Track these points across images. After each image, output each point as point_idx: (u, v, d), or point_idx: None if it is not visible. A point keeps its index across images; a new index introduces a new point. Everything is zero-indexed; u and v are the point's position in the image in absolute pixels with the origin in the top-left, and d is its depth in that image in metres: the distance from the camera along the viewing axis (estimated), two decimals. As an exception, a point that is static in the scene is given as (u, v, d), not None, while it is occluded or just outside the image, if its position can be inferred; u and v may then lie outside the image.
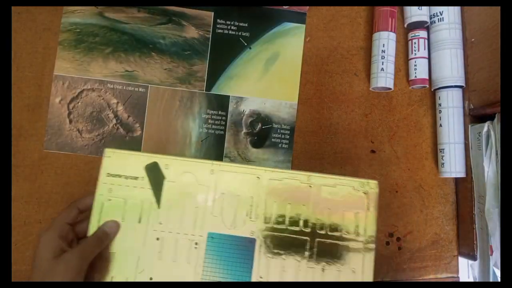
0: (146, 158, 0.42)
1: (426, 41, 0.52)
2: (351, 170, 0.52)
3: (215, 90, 0.52)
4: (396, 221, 0.53)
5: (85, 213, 0.41)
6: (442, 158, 0.51)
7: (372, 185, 0.43)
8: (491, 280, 0.47)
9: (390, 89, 0.52)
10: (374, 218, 0.43)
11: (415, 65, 0.52)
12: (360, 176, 0.52)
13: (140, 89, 0.51)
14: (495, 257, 0.45)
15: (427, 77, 0.52)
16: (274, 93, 0.52)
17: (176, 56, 0.51)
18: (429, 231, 0.53)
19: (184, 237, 0.42)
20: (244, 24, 0.53)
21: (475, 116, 0.51)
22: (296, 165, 0.52)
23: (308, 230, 0.42)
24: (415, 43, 0.52)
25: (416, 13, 0.51)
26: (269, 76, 0.52)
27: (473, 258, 0.50)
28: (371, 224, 0.43)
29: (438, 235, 0.53)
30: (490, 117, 0.47)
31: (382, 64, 0.50)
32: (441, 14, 0.50)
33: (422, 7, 0.51)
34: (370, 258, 0.42)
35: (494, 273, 0.46)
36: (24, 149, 0.49)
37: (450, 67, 0.50)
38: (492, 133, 0.46)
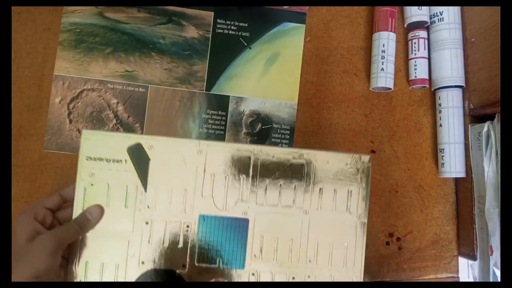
0: (128, 139, 0.40)
1: (426, 41, 0.52)
2: (351, 170, 0.52)
3: (215, 90, 0.52)
4: (396, 221, 0.53)
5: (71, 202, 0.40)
6: (442, 158, 0.51)
7: (364, 160, 0.42)
8: (491, 280, 0.47)
9: (390, 89, 0.52)
10: (367, 194, 0.42)
11: (415, 65, 0.52)
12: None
13: (140, 89, 0.51)
14: (495, 257, 0.45)
15: (427, 77, 0.52)
16: (274, 93, 0.52)
17: (176, 56, 0.51)
18: (429, 231, 0.53)
19: (174, 220, 0.40)
20: (244, 24, 0.53)
21: (475, 116, 0.51)
22: (296, 165, 0.52)
23: (300, 207, 0.41)
24: (415, 43, 0.52)
25: (416, 13, 0.51)
26: (269, 76, 0.52)
27: (473, 258, 0.50)
28: (364, 200, 0.42)
29: (438, 235, 0.53)
30: (490, 117, 0.47)
31: (382, 64, 0.50)
32: (441, 14, 0.50)
33: (422, 7, 0.51)
34: (361, 232, 0.41)
35: (494, 273, 0.46)
36: (24, 149, 0.49)
37: (450, 67, 0.50)
38: (492, 133, 0.46)
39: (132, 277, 0.40)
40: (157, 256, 0.40)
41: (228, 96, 0.52)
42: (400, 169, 0.53)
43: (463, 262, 0.53)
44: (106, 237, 0.40)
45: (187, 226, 0.40)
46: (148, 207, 0.40)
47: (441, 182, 0.53)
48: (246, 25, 0.53)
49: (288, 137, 0.52)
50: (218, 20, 0.52)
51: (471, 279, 0.52)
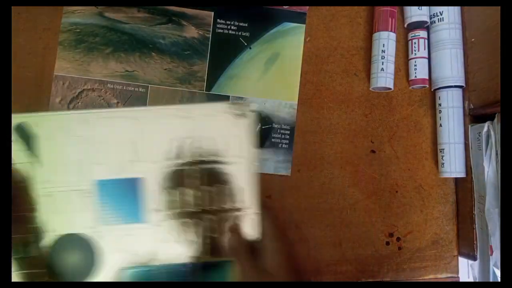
0: (15, 119, 0.42)
1: (426, 41, 0.52)
2: (351, 170, 0.52)
3: (215, 90, 0.52)
4: (396, 221, 0.53)
5: None
6: (442, 158, 0.51)
7: (247, 108, 0.44)
8: (491, 280, 0.47)
9: (390, 89, 0.52)
10: (252, 138, 0.44)
11: (415, 65, 0.52)
12: (360, 174, 0.52)
13: (140, 89, 0.51)
14: (495, 257, 0.45)
15: (427, 77, 0.52)
16: (274, 93, 0.52)
17: (176, 56, 0.51)
18: (429, 231, 0.53)
19: (75, 189, 0.43)
20: (244, 24, 0.53)
21: (475, 116, 0.51)
22: (296, 165, 0.52)
23: (196, 160, 0.43)
24: (415, 43, 0.52)
25: (416, 13, 0.51)
26: (269, 76, 0.52)
27: (473, 258, 0.50)
28: (250, 145, 0.44)
29: (438, 235, 0.53)
30: (490, 117, 0.47)
31: (382, 64, 0.50)
32: (441, 14, 0.50)
33: (422, 7, 0.51)
34: (253, 174, 0.44)
35: (494, 273, 0.46)
36: (24, 149, 0.49)
37: (450, 67, 0.50)
38: (492, 133, 0.46)
39: (47, 246, 0.42)
40: (65, 223, 0.43)
41: (228, 96, 0.52)
42: (400, 169, 0.53)
43: (463, 262, 0.53)
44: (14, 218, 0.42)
45: (87, 193, 0.43)
46: (48, 181, 0.42)
47: (441, 182, 0.53)
48: (246, 25, 0.53)
49: (288, 137, 0.52)
50: (218, 20, 0.52)
51: (471, 279, 0.52)
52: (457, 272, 0.53)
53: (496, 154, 0.45)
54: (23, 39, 0.50)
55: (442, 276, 0.53)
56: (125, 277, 0.44)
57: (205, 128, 0.43)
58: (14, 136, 0.42)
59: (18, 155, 0.42)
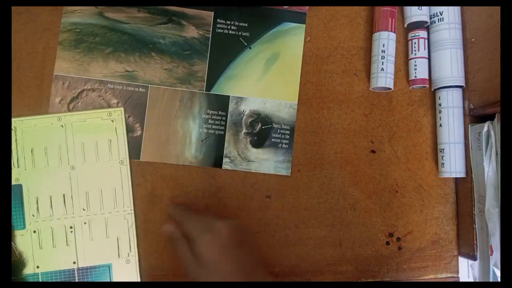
0: None
1: (426, 41, 0.52)
2: (351, 170, 0.52)
3: (215, 90, 0.52)
4: (396, 221, 0.53)
5: None
6: (442, 158, 0.51)
7: (118, 112, 0.49)
8: (491, 280, 0.47)
9: (390, 89, 0.52)
10: (124, 141, 0.49)
11: (415, 65, 0.52)
12: (360, 174, 0.52)
13: (140, 89, 0.51)
14: (495, 257, 0.45)
15: (427, 77, 0.52)
16: (274, 93, 0.52)
17: (176, 56, 0.51)
18: (429, 231, 0.53)
19: None
20: (244, 24, 0.53)
21: (475, 116, 0.51)
22: (296, 165, 0.52)
23: (68, 165, 0.48)
24: (415, 43, 0.52)
25: (416, 13, 0.51)
26: (269, 76, 0.52)
27: (473, 258, 0.50)
28: (122, 146, 0.49)
29: (438, 235, 0.53)
30: (490, 117, 0.47)
31: (382, 64, 0.50)
32: (441, 14, 0.50)
33: (422, 7, 0.51)
34: (126, 173, 0.49)
35: (494, 273, 0.46)
36: (24, 149, 0.49)
37: (450, 67, 0.50)
38: (492, 133, 0.46)
39: None
40: None
41: (228, 96, 0.52)
42: (400, 169, 0.53)
43: (463, 262, 0.53)
44: None
45: None
46: None
47: (441, 182, 0.53)
48: (246, 25, 0.53)
49: (288, 137, 0.52)
50: (218, 20, 0.52)
51: (471, 279, 0.52)
52: (457, 272, 0.53)
53: (496, 154, 0.45)
54: (23, 39, 0.50)
55: (442, 276, 0.53)
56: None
57: (78, 136, 0.48)
58: None
59: None
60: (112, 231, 0.48)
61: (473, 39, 0.51)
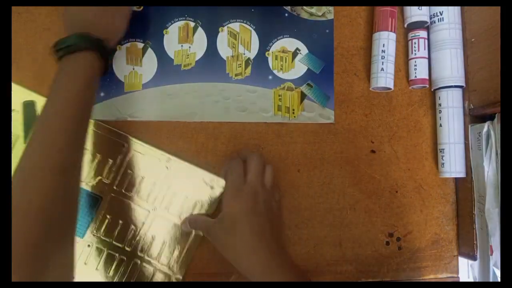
0: (26, 94, 0.45)
1: (426, 41, 0.52)
2: (351, 170, 0.52)
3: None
4: (396, 221, 0.53)
5: None
6: (442, 158, 0.51)
7: (220, 183, 0.48)
8: (491, 280, 0.47)
9: (390, 89, 0.52)
10: (212, 211, 0.48)
11: (415, 65, 0.52)
12: (360, 174, 0.52)
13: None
14: (495, 257, 0.45)
15: (427, 77, 0.52)
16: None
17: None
18: (429, 231, 0.53)
19: None
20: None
21: (475, 116, 0.51)
22: (296, 165, 0.52)
23: (150, 203, 0.47)
24: (415, 43, 0.52)
25: (416, 13, 0.51)
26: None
27: (473, 258, 0.50)
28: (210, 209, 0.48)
29: (438, 235, 0.53)
30: (490, 117, 0.47)
31: (382, 64, 0.50)
32: (441, 14, 0.50)
33: (422, 7, 0.51)
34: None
35: (494, 273, 0.46)
36: (24, 149, 0.49)
37: (450, 67, 0.50)
38: (492, 133, 0.46)
39: None
40: None
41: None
42: (400, 169, 0.53)
43: (463, 262, 0.53)
44: None
45: None
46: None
47: (441, 182, 0.53)
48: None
49: (288, 137, 0.52)
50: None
51: (471, 279, 0.52)
52: (457, 272, 0.53)
53: (496, 154, 0.45)
54: (23, 39, 0.50)
55: (442, 276, 0.53)
56: None
57: (177, 184, 0.47)
58: (22, 108, 0.44)
59: (16, 126, 0.44)
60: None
61: (473, 39, 0.51)
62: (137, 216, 0.47)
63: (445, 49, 0.51)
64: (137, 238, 0.46)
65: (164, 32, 0.50)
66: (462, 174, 0.51)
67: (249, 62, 0.51)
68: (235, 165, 0.46)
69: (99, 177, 0.46)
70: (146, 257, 0.46)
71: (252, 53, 0.51)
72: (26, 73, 0.50)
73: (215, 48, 0.51)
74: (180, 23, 0.51)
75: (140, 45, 0.50)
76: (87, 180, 0.46)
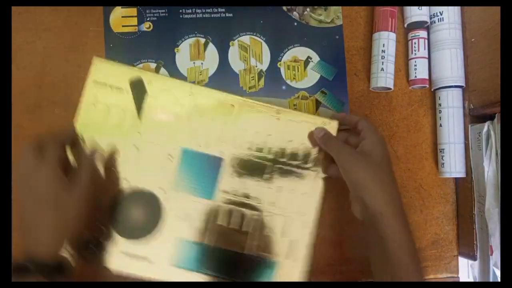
0: (131, 71, 0.46)
1: (426, 41, 0.52)
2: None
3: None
4: (396, 221, 0.53)
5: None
6: (442, 158, 0.51)
7: (333, 124, 0.47)
8: (491, 280, 0.47)
9: (390, 89, 0.52)
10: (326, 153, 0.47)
11: (415, 65, 0.52)
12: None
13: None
14: (495, 257, 0.45)
15: (427, 77, 0.52)
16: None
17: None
18: (429, 231, 0.53)
19: (160, 148, 0.46)
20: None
21: (475, 116, 0.51)
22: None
23: (270, 156, 0.47)
24: (415, 43, 0.52)
25: (416, 13, 0.51)
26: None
27: (473, 258, 0.50)
28: (324, 158, 0.48)
29: (438, 235, 0.53)
30: (490, 117, 0.47)
31: (382, 64, 0.50)
32: (441, 14, 0.50)
33: (422, 7, 0.51)
34: (318, 184, 0.48)
35: (494, 273, 0.46)
36: (24, 149, 0.49)
37: (450, 67, 0.50)
38: (492, 133, 0.46)
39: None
40: (140, 178, 0.46)
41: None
42: (400, 169, 0.53)
43: (463, 262, 0.53)
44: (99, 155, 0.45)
45: (171, 156, 0.46)
46: (139, 133, 0.46)
47: (441, 182, 0.53)
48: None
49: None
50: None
51: (471, 279, 0.52)
52: (457, 272, 0.53)
53: (496, 154, 0.45)
54: (23, 39, 0.50)
55: (442, 276, 0.53)
56: (181, 248, 0.46)
57: (289, 132, 0.47)
58: (129, 86, 0.46)
59: (126, 103, 0.46)
60: (290, 232, 0.47)
61: (473, 39, 0.51)
62: (260, 169, 0.47)
63: (445, 49, 0.51)
64: (263, 189, 0.47)
65: (176, 50, 0.51)
66: (462, 174, 0.51)
67: (262, 74, 0.51)
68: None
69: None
70: (277, 208, 0.47)
71: (264, 64, 0.52)
72: (26, 73, 0.50)
73: (227, 62, 0.51)
74: (191, 40, 0.51)
75: (153, 65, 0.51)
76: (208, 144, 0.47)
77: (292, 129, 0.47)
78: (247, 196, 0.47)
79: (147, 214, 0.46)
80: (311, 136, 0.47)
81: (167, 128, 0.46)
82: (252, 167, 0.47)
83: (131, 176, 0.46)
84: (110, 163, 0.46)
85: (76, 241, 0.44)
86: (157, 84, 0.46)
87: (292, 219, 0.47)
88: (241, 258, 0.46)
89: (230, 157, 0.47)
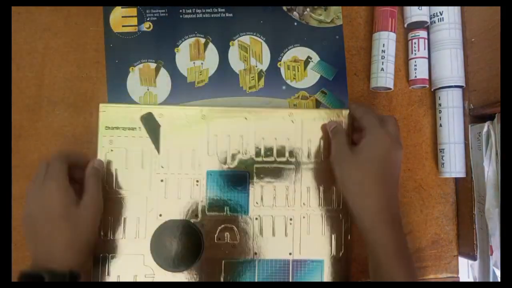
0: (139, 109, 0.47)
1: (426, 41, 0.52)
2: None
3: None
4: (396, 221, 0.53)
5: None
6: (442, 158, 0.51)
7: (344, 114, 0.49)
8: (491, 280, 0.47)
9: (390, 89, 0.52)
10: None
11: (415, 65, 0.52)
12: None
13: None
14: (495, 257, 0.45)
15: (427, 77, 0.52)
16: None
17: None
18: (429, 231, 0.53)
19: (185, 177, 0.47)
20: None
21: (475, 116, 0.51)
22: (296, 165, 0.51)
23: (293, 159, 0.48)
24: (415, 43, 0.52)
25: (416, 13, 0.51)
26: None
27: (473, 258, 0.50)
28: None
29: (438, 235, 0.53)
30: (490, 117, 0.47)
31: (382, 64, 0.50)
32: (441, 14, 0.50)
33: (422, 7, 0.51)
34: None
35: (494, 273, 0.46)
36: (24, 149, 0.49)
37: (450, 67, 0.50)
38: (492, 133, 0.46)
39: (151, 228, 0.46)
40: (173, 209, 0.47)
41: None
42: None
43: (463, 262, 0.53)
44: (127, 196, 0.46)
45: (197, 181, 0.47)
46: (162, 167, 0.47)
47: (441, 182, 0.53)
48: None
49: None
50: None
51: (471, 279, 0.52)
52: (457, 272, 0.53)
53: (496, 154, 0.45)
54: (23, 39, 0.50)
55: (442, 276, 0.53)
56: (229, 268, 0.47)
57: (306, 131, 0.48)
58: (141, 123, 0.46)
59: (142, 141, 0.47)
60: (328, 229, 0.49)
61: (473, 39, 0.51)
62: (286, 174, 0.48)
63: (445, 49, 0.51)
64: (296, 194, 0.48)
65: (176, 50, 0.51)
66: (462, 174, 0.51)
67: (262, 74, 0.51)
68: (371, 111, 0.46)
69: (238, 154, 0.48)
70: (310, 209, 0.48)
71: (264, 64, 0.52)
72: (26, 73, 0.50)
73: (227, 62, 0.51)
74: (191, 40, 0.51)
75: (153, 65, 0.51)
76: (228, 163, 0.48)
77: (308, 128, 0.48)
78: (279, 203, 0.48)
79: (189, 243, 0.47)
80: (324, 128, 0.48)
81: (187, 155, 0.47)
82: (278, 174, 0.48)
83: (164, 210, 0.47)
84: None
85: (91, 254, 0.45)
86: (169, 115, 0.47)
87: (327, 216, 0.49)
88: (290, 265, 0.48)
89: (254, 169, 0.48)
